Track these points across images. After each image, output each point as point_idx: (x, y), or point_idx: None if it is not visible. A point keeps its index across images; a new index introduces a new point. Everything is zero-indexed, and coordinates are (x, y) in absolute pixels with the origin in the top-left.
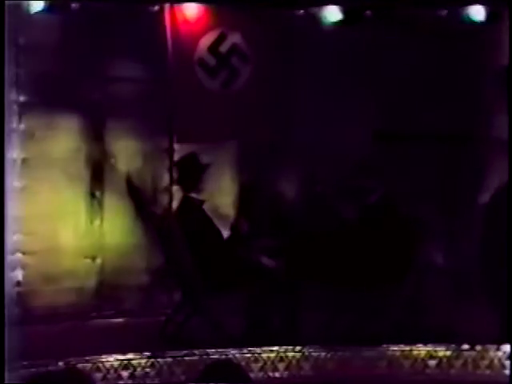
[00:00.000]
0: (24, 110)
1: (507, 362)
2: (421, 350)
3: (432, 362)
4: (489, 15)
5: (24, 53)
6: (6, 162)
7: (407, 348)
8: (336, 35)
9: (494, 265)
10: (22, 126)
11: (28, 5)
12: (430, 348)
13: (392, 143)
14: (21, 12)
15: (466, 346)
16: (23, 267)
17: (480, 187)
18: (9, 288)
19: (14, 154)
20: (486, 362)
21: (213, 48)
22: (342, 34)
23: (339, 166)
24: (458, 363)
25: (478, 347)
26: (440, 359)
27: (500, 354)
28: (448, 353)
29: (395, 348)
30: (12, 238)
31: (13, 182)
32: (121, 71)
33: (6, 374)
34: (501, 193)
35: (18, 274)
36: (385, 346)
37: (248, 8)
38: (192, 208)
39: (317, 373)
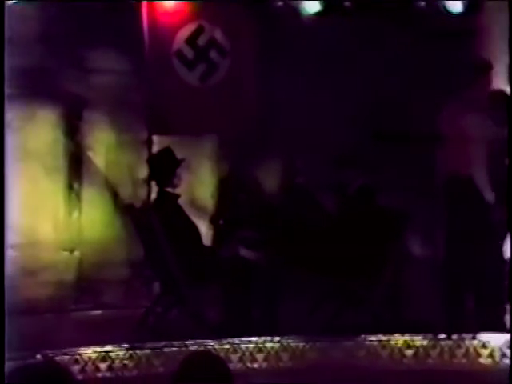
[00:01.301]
0: (10, 102)
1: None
2: (398, 339)
3: (409, 352)
4: (467, 7)
5: (7, 46)
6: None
7: (385, 338)
8: (315, 26)
9: (469, 255)
10: (8, 118)
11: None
12: (407, 338)
13: (373, 136)
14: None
15: (442, 336)
16: (11, 261)
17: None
18: None
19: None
20: (462, 351)
21: (191, 40)
22: (322, 24)
23: (320, 157)
24: (435, 352)
25: (455, 336)
26: (417, 349)
27: (475, 342)
28: (425, 342)
29: (373, 338)
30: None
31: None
32: (99, 63)
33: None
34: (471, 185)
35: (8, 268)
36: (363, 336)
37: (227, 1)
38: (168, 202)
39: (295, 363)
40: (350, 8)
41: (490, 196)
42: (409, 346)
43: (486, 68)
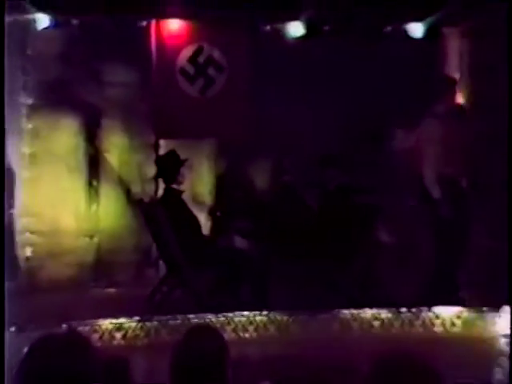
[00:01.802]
0: (31, 111)
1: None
2: (367, 313)
3: (376, 323)
4: (427, 32)
5: (30, 62)
6: (17, 155)
7: (356, 311)
8: (298, 46)
9: (431, 243)
10: (30, 126)
11: (35, 21)
12: (374, 311)
13: (350, 140)
14: (27, 27)
15: (403, 309)
16: (31, 245)
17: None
18: (20, 262)
19: (23, 149)
20: (419, 322)
21: (192, 59)
22: (304, 45)
23: (304, 159)
24: (398, 323)
25: (414, 310)
26: (383, 320)
27: (430, 314)
28: (389, 315)
29: (346, 312)
30: (22, 221)
31: (22, 173)
32: (113, 77)
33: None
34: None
35: (27, 251)
36: (337, 310)
37: (223, 24)
38: (173, 197)
39: (281, 334)
40: (328, 31)
41: (436, 193)
42: (376, 319)
43: (452, 83)
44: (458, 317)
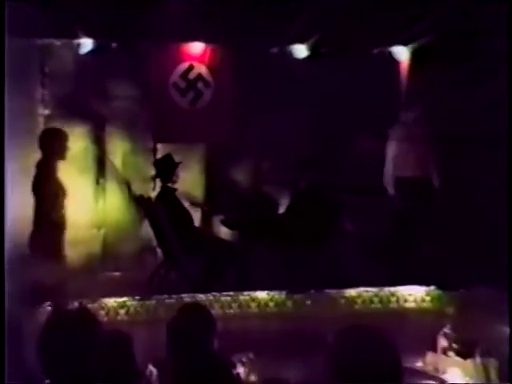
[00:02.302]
0: (47, 120)
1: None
2: (351, 291)
3: (359, 300)
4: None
5: (48, 78)
6: (35, 158)
7: (342, 290)
8: (282, 66)
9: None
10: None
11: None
12: (356, 290)
13: (320, 144)
14: (45, 48)
15: (366, 288)
16: None
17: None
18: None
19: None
20: (394, 298)
21: (184, 75)
22: (289, 64)
23: (279, 162)
24: (376, 299)
25: (389, 288)
26: (363, 297)
27: (404, 292)
28: (369, 293)
29: (334, 291)
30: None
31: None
32: (117, 91)
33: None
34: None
35: None
36: (312, 291)
37: (210, 46)
38: (168, 194)
39: (260, 310)
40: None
41: (392, 190)
42: (358, 296)
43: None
44: (428, 294)
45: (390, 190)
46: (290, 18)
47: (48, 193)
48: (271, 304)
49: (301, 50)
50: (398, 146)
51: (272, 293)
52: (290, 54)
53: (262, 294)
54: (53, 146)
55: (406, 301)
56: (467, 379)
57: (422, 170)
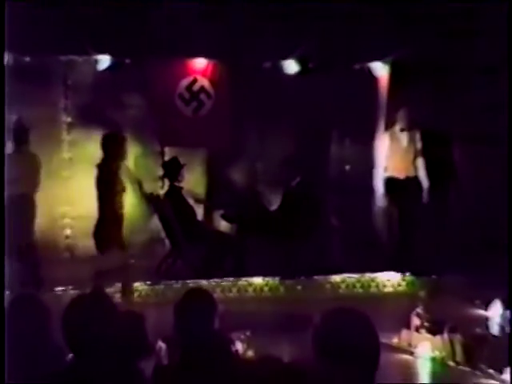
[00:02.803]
0: (69, 127)
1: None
2: (336, 277)
3: (343, 285)
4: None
5: (70, 90)
6: (58, 160)
7: (328, 276)
8: (275, 81)
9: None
10: (68, 138)
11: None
12: (341, 276)
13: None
14: (68, 64)
15: (349, 275)
16: (70, 227)
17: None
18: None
19: (63, 155)
20: (374, 283)
21: (188, 87)
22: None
23: (272, 163)
24: (359, 285)
25: (356, 275)
26: (347, 283)
27: (383, 278)
28: (352, 279)
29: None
30: (63, 209)
31: (62, 172)
32: (130, 101)
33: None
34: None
35: (67, 231)
36: (302, 277)
37: (212, 63)
38: (175, 192)
39: (256, 294)
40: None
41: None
42: (342, 282)
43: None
44: (403, 279)
45: (378, 189)
46: (281, 34)
47: (111, 190)
48: (266, 289)
49: (292, 65)
50: (388, 150)
51: (267, 279)
52: (281, 69)
53: (257, 280)
54: (113, 149)
55: (384, 286)
56: (436, 352)
57: (410, 172)
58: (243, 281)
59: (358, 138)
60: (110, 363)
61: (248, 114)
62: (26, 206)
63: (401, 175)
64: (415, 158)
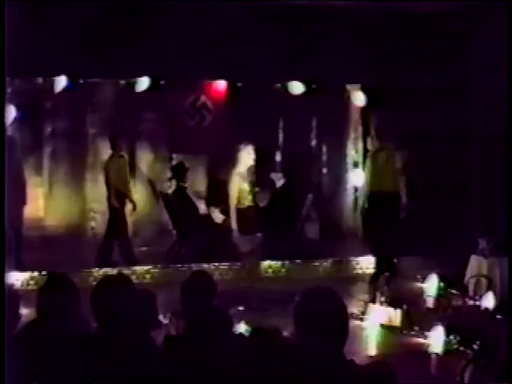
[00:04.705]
0: (93, 137)
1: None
2: (316, 261)
3: (320, 269)
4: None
5: (95, 106)
6: (85, 164)
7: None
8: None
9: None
10: (92, 146)
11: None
12: (318, 261)
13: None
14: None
15: (326, 259)
16: (94, 220)
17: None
18: (87, 231)
19: (87, 159)
20: (344, 267)
21: (192, 104)
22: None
23: (262, 167)
24: (334, 269)
25: (331, 259)
26: (324, 267)
27: (354, 262)
28: (328, 264)
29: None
30: (88, 205)
31: (86, 175)
32: (143, 115)
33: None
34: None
35: (92, 223)
36: (287, 262)
37: (211, 83)
38: (181, 191)
39: (250, 276)
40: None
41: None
42: (320, 265)
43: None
44: (371, 263)
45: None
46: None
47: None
48: (258, 270)
49: (295, 86)
50: (367, 167)
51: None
52: (273, 88)
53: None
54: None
55: (354, 268)
56: (396, 323)
57: (393, 187)
58: (238, 265)
59: (335, 148)
60: (128, 332)
61: (242, 125)
62: None
63: (380, 191)
64: (395, 175)
